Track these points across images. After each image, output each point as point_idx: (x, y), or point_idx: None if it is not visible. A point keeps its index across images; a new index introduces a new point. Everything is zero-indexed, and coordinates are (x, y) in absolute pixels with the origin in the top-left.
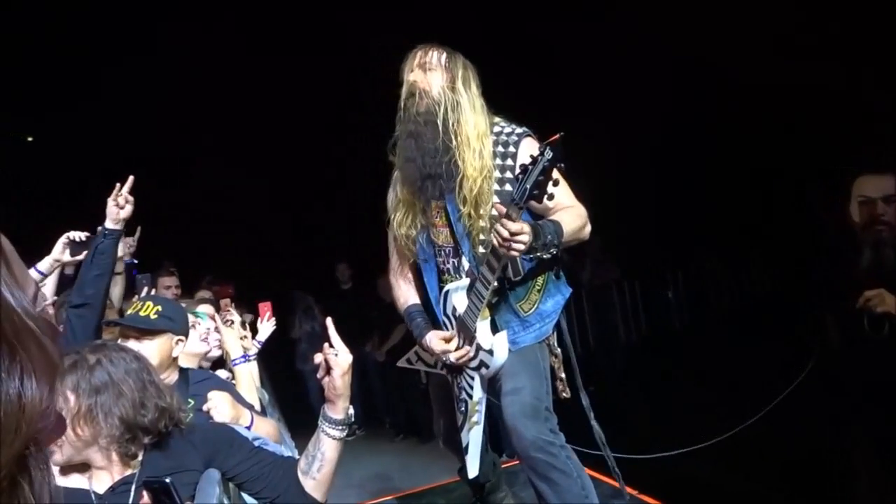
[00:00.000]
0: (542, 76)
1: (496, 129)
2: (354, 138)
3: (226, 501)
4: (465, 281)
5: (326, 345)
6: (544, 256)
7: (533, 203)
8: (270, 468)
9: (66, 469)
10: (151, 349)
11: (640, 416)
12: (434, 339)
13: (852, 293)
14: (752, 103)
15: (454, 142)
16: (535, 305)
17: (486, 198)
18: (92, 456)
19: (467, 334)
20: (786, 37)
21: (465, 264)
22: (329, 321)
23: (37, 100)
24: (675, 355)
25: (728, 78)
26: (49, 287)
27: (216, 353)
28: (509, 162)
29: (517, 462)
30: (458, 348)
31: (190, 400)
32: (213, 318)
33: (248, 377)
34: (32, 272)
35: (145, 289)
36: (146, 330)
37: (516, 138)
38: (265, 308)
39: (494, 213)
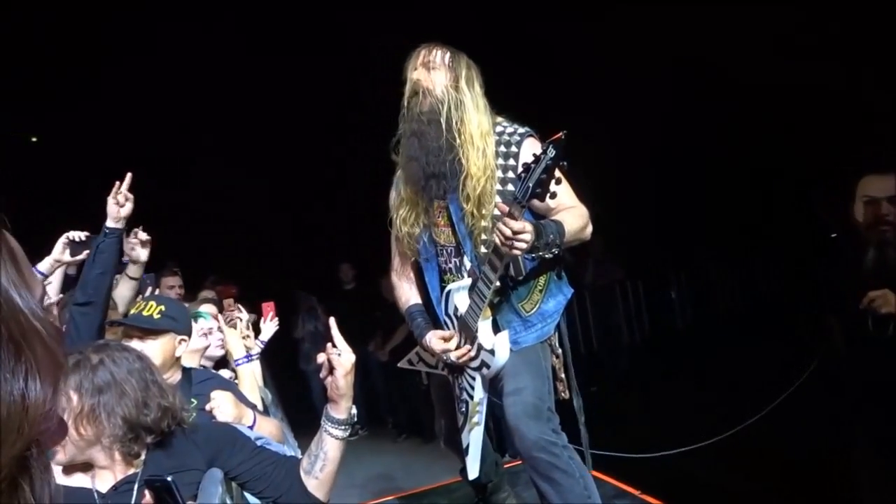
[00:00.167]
0: (543, 76)
1: (499, 128)
2: (357, 138)
3: (228, 501)
4: (467, 281)
5: (329, 345)
6: (546, 256)
7: (535, 203)
8: (273, 468)
9: (69, 468)
10: (154, 349)
11: (643, 415)
12: (434, 339)
13: (856, 294)
14: (754, 103)
15: (457, 141)
16: (537, 305)
17: (489, 197)
18: (95, 455)
19: (469, 334)
20: (786, 37)
21: (467, 264)
22: (332, 321)
23: (40, 100)
24: (678, 355)
25: (729, 78)
26: (53, 287)
27: (219, 352)
28: (512, 162)
29: (519, 462)
30: (458, 347)
31: (193, 399)
32: (216, 317)
33: (250, 377)
34: None
35: (149, 289)
36: (149, 330)
37: (519, 138)
38: (268, 308)
39: (497, 212)
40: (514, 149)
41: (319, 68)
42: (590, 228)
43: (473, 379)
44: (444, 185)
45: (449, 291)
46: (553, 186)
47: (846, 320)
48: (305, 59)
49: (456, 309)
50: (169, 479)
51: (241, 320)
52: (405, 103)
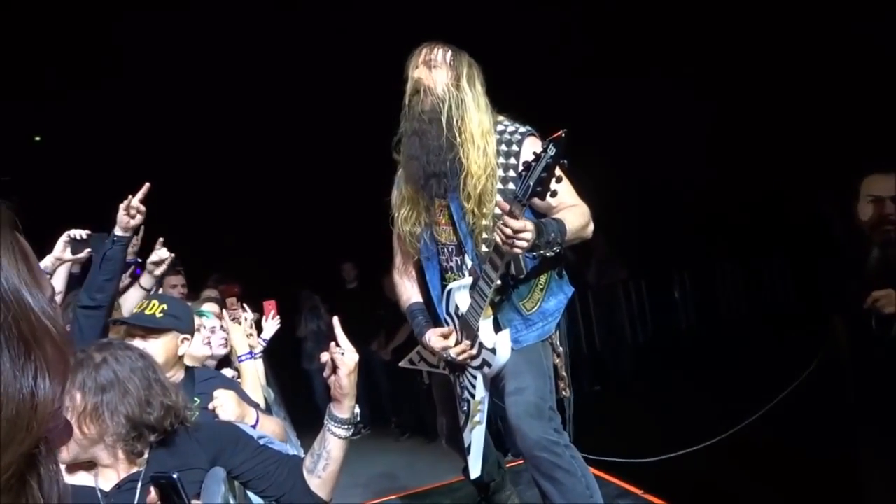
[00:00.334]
0: (543, 76)
1: (500, 127)
2: (359, 138)
3: (231, 500)
4: (468, 279)
5: (333, 344)
6: (547, 254)
7: (536, 201)
8: (276, 466)
9: (73, 467)
10: (157, 348)
11: (646, 415)
12: (433, 337)
13: (860, 293)
14: (756, 103)
15: (458, 139)
16: (538, 304)
17: (490, 196)
18: (98, 454)
19: (470, 333)
20: (786, 36)
21: (468, 263)
22: (335, 320)
23: (43, 100)
24: (682, 355)
25: (734, 76)
26: (56, 287)
27: (222, 351)
28: (513, 161)
29: (522, 461)
30: (457, 343)
31: (196, 398)
32: (218, 316)
33: (253, 374)
34: None
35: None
36: (152, 328)
37: (520, 137)
38: (270, 306)
39: (498, 210)
40: (515, 147)
41: (322, 67)
42: (591, 227)
43: (475, 378)
44: (444, 184)
45: (450, 290)
46: (554, 185)
47: (850, 320)
48: (308, 58)
49: (457, 308)
50: (175, 475)
51: (244, 319)
52: (406, 102)
